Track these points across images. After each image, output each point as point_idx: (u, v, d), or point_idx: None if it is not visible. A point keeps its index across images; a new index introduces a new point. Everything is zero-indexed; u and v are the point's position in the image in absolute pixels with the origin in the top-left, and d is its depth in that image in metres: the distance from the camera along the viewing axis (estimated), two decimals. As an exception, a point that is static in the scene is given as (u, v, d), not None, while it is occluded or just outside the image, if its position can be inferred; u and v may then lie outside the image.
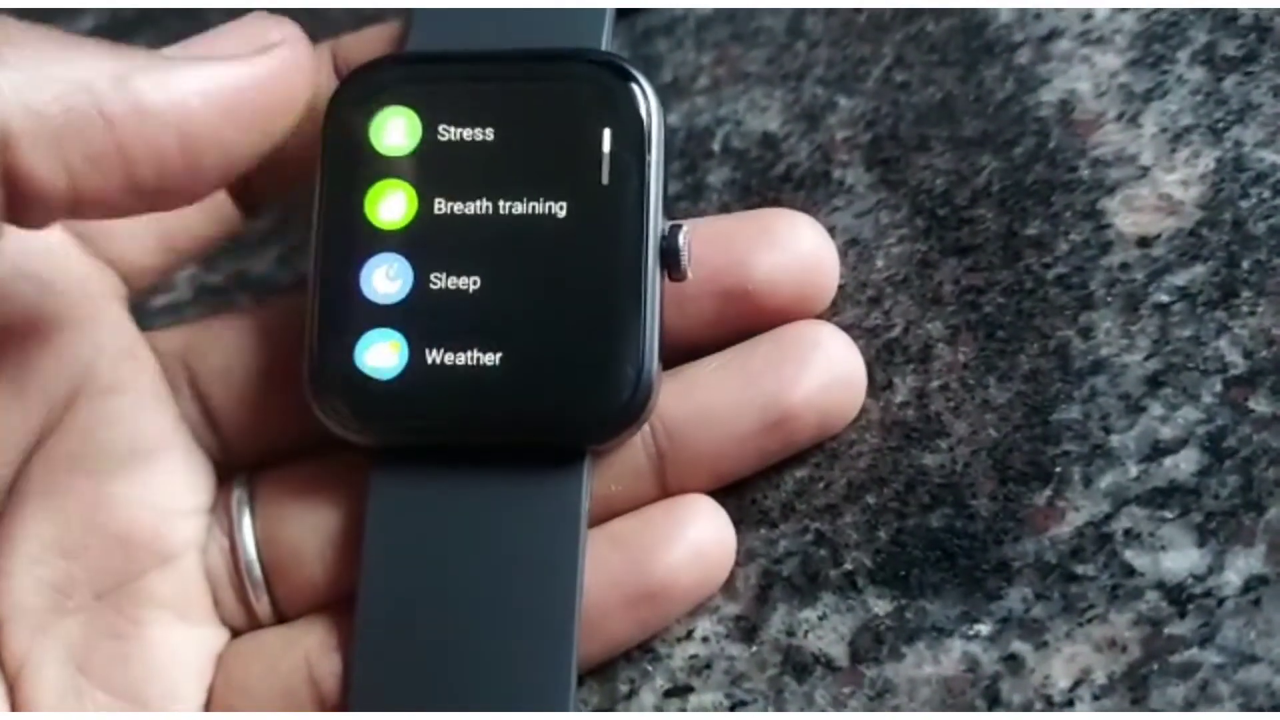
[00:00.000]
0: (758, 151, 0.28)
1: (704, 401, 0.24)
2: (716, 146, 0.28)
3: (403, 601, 0.24)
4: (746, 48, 0.29)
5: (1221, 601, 0.22)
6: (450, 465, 0.24)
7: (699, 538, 0.24)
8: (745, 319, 0.25)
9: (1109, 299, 0.25)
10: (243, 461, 0.26)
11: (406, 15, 0.26)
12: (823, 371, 0.24)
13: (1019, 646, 0.23)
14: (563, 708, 0.23)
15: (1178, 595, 0.23)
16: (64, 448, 0.25)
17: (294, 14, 0.34)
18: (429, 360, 0.23)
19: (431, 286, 0.24)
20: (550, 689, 0.23)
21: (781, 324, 0.25)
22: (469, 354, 0.23)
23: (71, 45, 0.20)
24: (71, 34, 0.20)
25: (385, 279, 0.24)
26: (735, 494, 0.25)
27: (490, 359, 0.23)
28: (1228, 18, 0.26)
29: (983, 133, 0.27)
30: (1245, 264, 0.24)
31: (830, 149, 0.28)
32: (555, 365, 0.23)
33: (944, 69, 0.27)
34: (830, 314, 0.26)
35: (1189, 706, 0.22)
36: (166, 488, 0.25)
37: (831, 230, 0.26)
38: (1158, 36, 0.26)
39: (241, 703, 0.24)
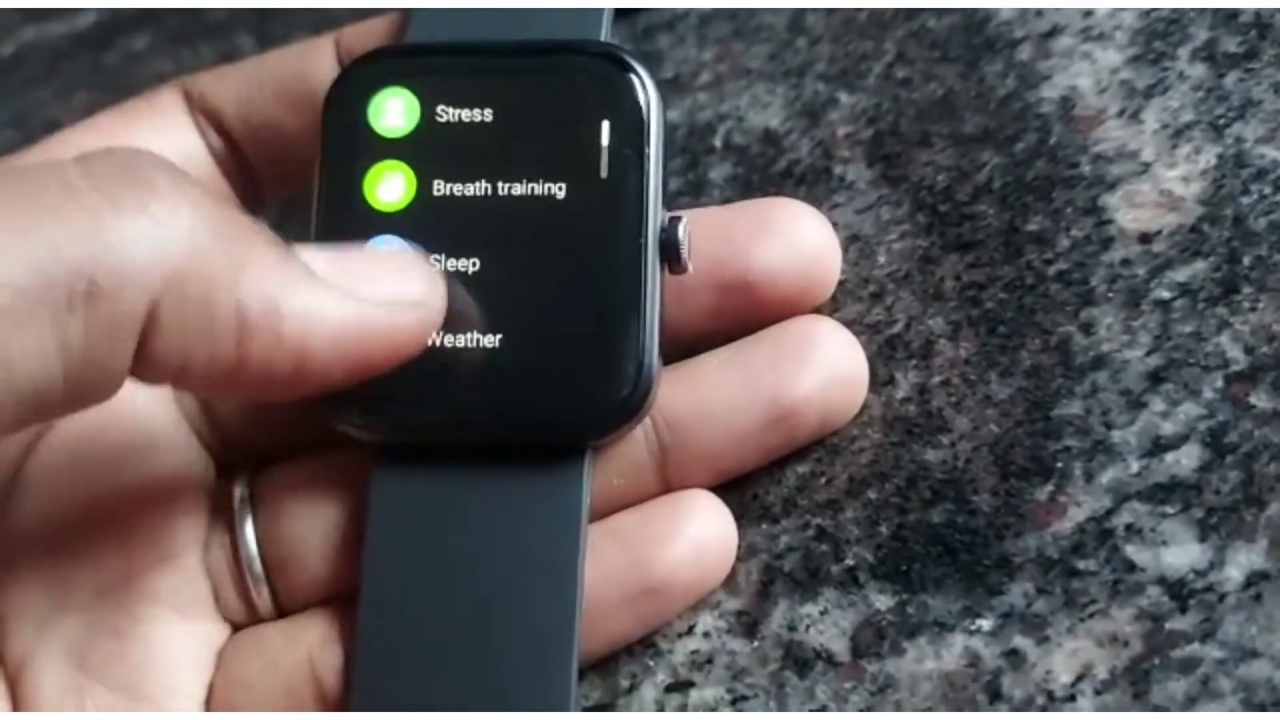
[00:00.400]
0: (759, 148, 0.28)
1: (706, 397, 0.24)
2: (718, 143, 0.28)
3: (404, 597, 0.24)
4: (748, 44, 0.29)
5: (1223, 597, 0.22)
6: (451, 461, 0.24)
7: (700, 533, 0.24)
8: (745, 311, 0.25)
9: (1110, 295, 0.25)
10: (244, 458, 0.26)
11: (405, 14, 0.26)
12: (824, 368, 0.24)
13: (1020, 641, 0.23)
14: (564, 703, 0.23)
15: (1179, 590, 0.23)
16: (64, 444, 0.25)
17: (297, 12, 0.34)
18: (428, 342, 0.24)
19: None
20: (551, 685, 0.23)
21: (782, 315, 0.25)
22: (468, 336, 0.23)
23: (243, 240, 0.20)
24: (245, 217, 0.20)
25: None
26: (736, 489, 0.25)
27: (490, 340, 0.23)
28: (1228, 15, 0.26)
29: (984, 129, 0.27)
30: (1246, 260, 0.24)
31: (831, 145, 0.28)
32: (555, 352, 0.23)
33: (945, 65, 0.27)
34: (832, 310, 0.26)
35: (1190, 701, 0.22)
36: (166, 484, 0.25)
37: (833, 226, 0.26)
38: (1158, 33, 0.26)
39: (242, 698, 0.24)
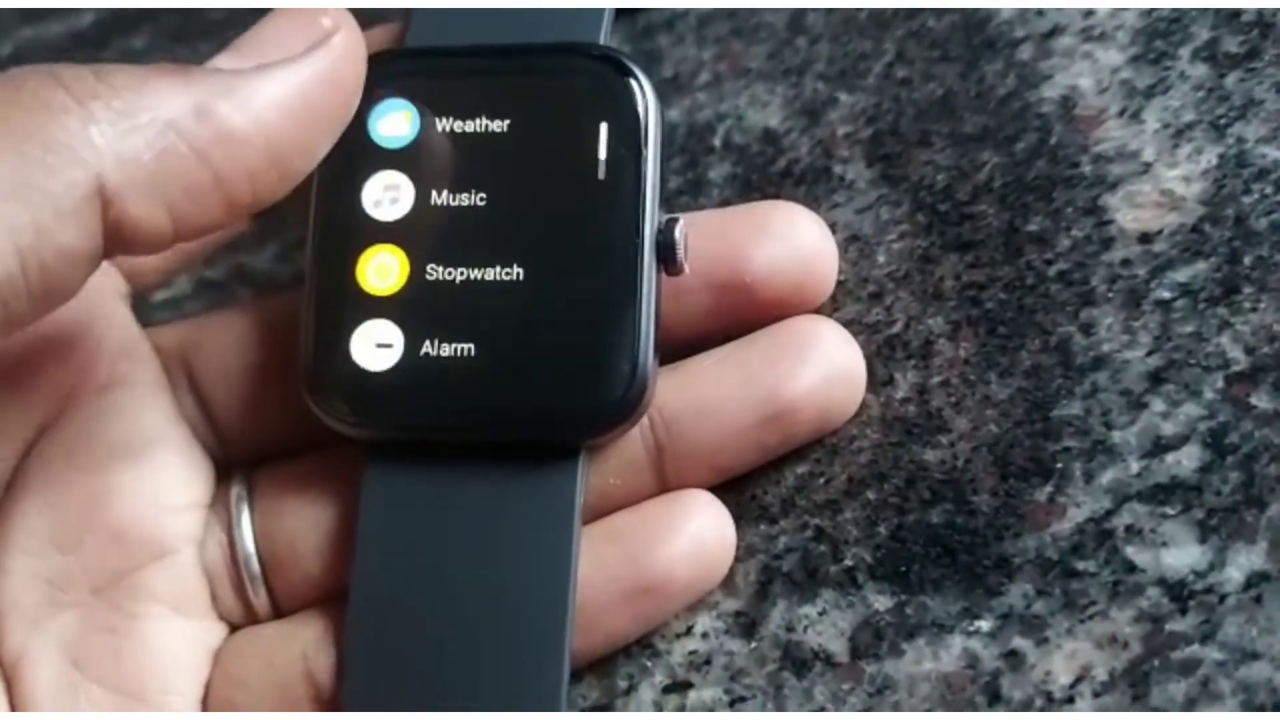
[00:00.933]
0: (759, 147, 0.28)
1: (703, 395, 0.24)
2: (717, 142, 0.28)
3: (395, 595, 0.23)
4: (748, 43, 0.29)
5: (1223, 598, 0.22)
6: (444, 459, 0.24)
7: (698, 532, 0.24)
8: (743, 311, 0.25)
9: (1110, 295, 0.25)
10: (242, 457, 0.26)
11: (405, 15, 0.26)
12: (822, 366, 0.24)
13: (1020, 643, 0.23)
14: (554, 702, 0.23)
15: (1179, 592, 0.23)
16: (62, 442, 0.25)
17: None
18: (423, 352, 0.23)
19: (428, 279, 0.24)
20: (542, 684, 0.23)
21: (780, 316, 0.25)
22: (465, 344, 0.23)
23: (145, 80, 0.20)
24: (138, 66, 0.20)
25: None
26: (735, 489, 0.25)
27: (486, 348, 0.23)
28: (1230, 14, 0.26)
29: (984, 128, 0.27)
30: (1247, 260, 0.24)
31: (831, 145, 0.28)
32: (550, 357, 0.23)
33: (945, 65, 0.27)
34: (831, 309, 0.26)
35: (1190, 703, 0.22)
36: (163, 483, 0.25)
37: (832, 226, 0.26)
38: (1160, 33, 0.26)
39: (238, 697, 0.24)
